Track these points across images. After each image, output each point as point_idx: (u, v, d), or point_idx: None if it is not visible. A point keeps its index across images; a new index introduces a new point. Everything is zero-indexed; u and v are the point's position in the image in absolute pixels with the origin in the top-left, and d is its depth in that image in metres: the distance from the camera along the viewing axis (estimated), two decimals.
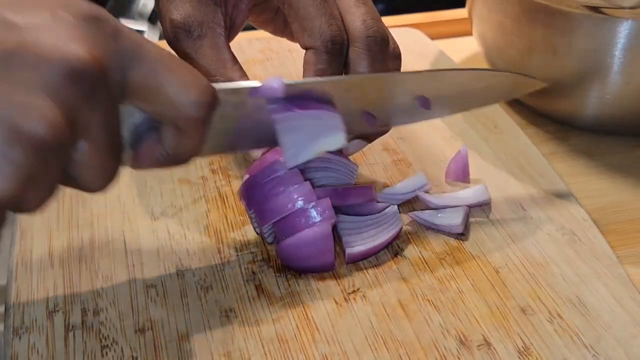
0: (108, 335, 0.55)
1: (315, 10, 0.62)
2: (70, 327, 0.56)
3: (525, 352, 0.54)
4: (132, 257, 0.62)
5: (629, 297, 0.58)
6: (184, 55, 0.65)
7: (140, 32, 1.10)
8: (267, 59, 0.95)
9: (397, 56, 0.66)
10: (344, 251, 0.62)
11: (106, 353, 0.54)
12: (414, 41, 1.01)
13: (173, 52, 0.64)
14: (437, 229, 0.65)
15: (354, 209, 0.64)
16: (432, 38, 1.04)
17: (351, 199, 0.63)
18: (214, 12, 0.65)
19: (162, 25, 0.68)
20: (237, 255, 0.63)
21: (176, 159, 0.54)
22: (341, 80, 0.62)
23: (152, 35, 1.12)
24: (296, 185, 0.59)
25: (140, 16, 1.13)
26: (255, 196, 0.60)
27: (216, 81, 0.60)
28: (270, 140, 0.60)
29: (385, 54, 0.64)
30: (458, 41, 1.08)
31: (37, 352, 0.54)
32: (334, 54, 0.63)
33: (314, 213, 0.58)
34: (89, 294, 0.59)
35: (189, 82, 0.50)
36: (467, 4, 0.91)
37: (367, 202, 0.64)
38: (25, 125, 0.42)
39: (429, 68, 0.94)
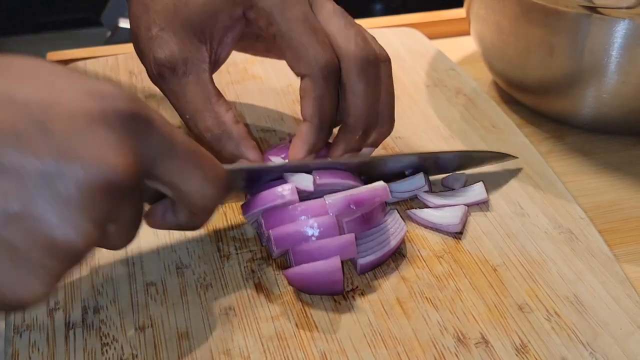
0: (108, 333, 0.55)
1: (308, 39, 0.64)
2: (71, 325, 0.56)
3: (522, 350, 0.54)
4: (132, 255, 0.62)
5: (626, 295, 0.58)
6: (168, 92, 0.66)
7: None
8: (265, 58, 0.95)
9: (386, 59, 0.68)
10: (352, 261, 0.62)
11: (106, 351, 0.54)
12: (413, 41, 1.01)
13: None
14: (435, 228, 0.65)
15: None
16: (431, 38, 1.04)
17: (367, 202, 0.61)
18: (198, 49, 0.66)
19: (143, 62, 0.68)
20: (237, 253, 0.63)
21: (186, 229, 0.57)
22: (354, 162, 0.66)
23: None
24: (321, 217, 0.59)
25: None
26: (275, 217, 0.60)
27: (204, 117, 0.65)
28: None
29: (377, 70, 0.66)
30: (456, 41, 1.08)
31: (38, 350, 0.54)
32: (330, 80, 0.64)
33: (333, 247, 0.58)
34: (89, 292, 0.59)
35: (208, 177, 0.52)
36: (465, 3, 0.91)
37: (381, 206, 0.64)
38: (60, 238, 0.42)
39: (427, 67, 0.95)
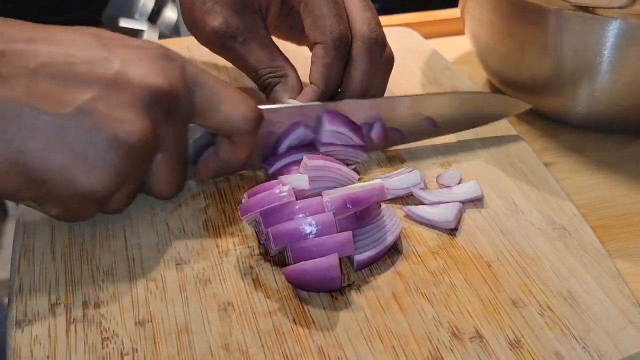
0: (109, 328, 0.56)
1: (328, 10, 0.70)
2: (72, 319, 0.56)
3: (516, 344, 0.54)
4: (132, 251, 0.63)
5: (618, 291, 0.59)
6: (233, 57, 0.75)
7: (140, 31, 1.10)
8: None
9: (391, 60, 0.76)
10: (348, 257, 0.62)
11: (107, 345, 0.54)
12: (409, 40, 1.02)
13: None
14: (430, 225, 0.66)
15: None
16: (426, 37, 1.04)
17: (364, 201, 0.62)
18: (252, 17, 0.74)
19: (196, 34, 0.77)
20: (235, 249, 0.63)
21: (229, 167, 0.68)
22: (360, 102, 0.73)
23: (151, 34, 1.13)
24: (319, 215, 0.59)
25: (140, 16, 1.13)
26: (273, 216, 0.61)
27: (269, 72, 0.74)
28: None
29: (382, 55, 0.73)
30: (451, 40, 1.09)
31: (40, 344, 0.54)
32: (340, 51, 0.71)
33: (331, 244, 0.58)
34: (90, 287, 0.59)
35: (239, 102, 0.63)
36: (460, 3, 0.91)
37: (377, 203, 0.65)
38: (122, 134, 0.56)
39: (422, 66, 0.95)
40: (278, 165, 0.71)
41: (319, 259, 0.57)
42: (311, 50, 0.74)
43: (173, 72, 0.60)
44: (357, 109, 0.73)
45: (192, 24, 0.77)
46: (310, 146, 0.73)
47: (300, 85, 0.74)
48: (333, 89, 0.73)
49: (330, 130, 0.71)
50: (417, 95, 0.75)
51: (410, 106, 0.74)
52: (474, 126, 0.78)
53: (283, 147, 0.72)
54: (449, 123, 0.77)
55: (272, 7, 0.77)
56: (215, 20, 0.73)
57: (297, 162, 0.70)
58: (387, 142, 0.76)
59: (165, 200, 0.66)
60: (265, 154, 0.72)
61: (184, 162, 0.65)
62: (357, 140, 0.73)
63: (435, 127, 0.76)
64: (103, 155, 0.55)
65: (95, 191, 0.56)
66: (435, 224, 0.66)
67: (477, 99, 0.78)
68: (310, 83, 0.73)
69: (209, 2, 0.73)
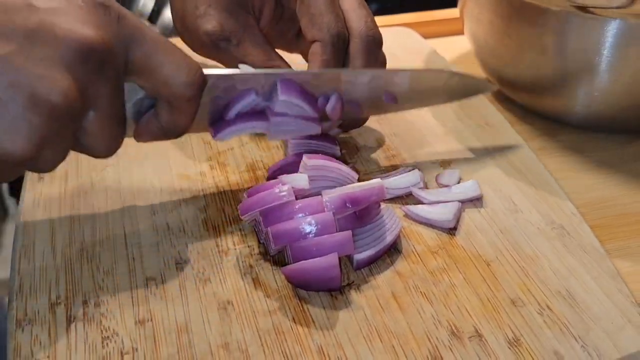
0: (109, 327, 0.56)
1: (325, 8, 0.70)
2: (72, 318, 0.56)
3: (515, 343, 0.54)
4: (132, 250, 0.63)
5: (617, 290, 0.59)
6: (228, 59, 0.73)
7: None
8: None
9: (384, 61, 0.76)
10: (348, 257, 0.62)
11: (107, 344, 0.54)
12: (408, 40, 1.02)
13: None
14: (429, 224, 0.66)
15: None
16: (425, 37, 1.04)
17: (363, 201, 0.62)
18: (246, 18, 0.73)
19: (189, 39, 0.76)
20: (235, 248, 0.63)
21: (170, 133, 0.63)
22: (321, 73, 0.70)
23: None
24: (319, 214, 0.60)
25: (140, 16, 1.13)
26: (273, 215, 0.61)
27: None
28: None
29: (378, 53, 0.73)
30: (450, 40, 1.09)
31: (40, 343, 0.54)
32: (338, 48, 0.71)
33: (331, 244, 0.58)
34: (90, 286, 0.59)
35: (181, 64, 0.58)
36: (459, 3, 0.92)
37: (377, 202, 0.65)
38: (43, 93, 0.49)
39: (422, 66, 0.95)
40: (227, 131, 0.67)
41: (318, 258, 0.57)
42: (304, 53, 0.75)
43: (106, 24, 0.54)
44: (314, 79, 0.69)
45: (185, 30, 0.76)
46: (260, 114, 0.68)
47: None
48: None
49: (283, 100, 0.67)
50: (377, 69, 0.74)
51: (370, 80, 0.72)
52: (436, 103, 0.78)
53: (232, 113, 0.67)
54: (409, 99, 0.75)
55: (266, 9, 0.76)
56: (209, 23, 0.72)
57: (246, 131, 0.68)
58: (343, 116, 0.73)
59: (101, 158, 0.59)
60: (213, 118, 0.68)
61: (121, 120, 0.58)
62: (310, 111, 0.69)
63: (395, 102, 0.74)
64: (21, 115, 0.49)
65: (14, 153, 0.49)
66: (434, 223, 0.66)
67: (439, 77, 0.76)
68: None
69: (202, 6, 0.72)
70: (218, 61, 0.75)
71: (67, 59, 0.51)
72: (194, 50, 0.77)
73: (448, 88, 0.76)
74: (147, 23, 1.13)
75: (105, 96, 0.55)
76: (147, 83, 0.58)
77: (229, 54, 0.73)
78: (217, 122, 0.67)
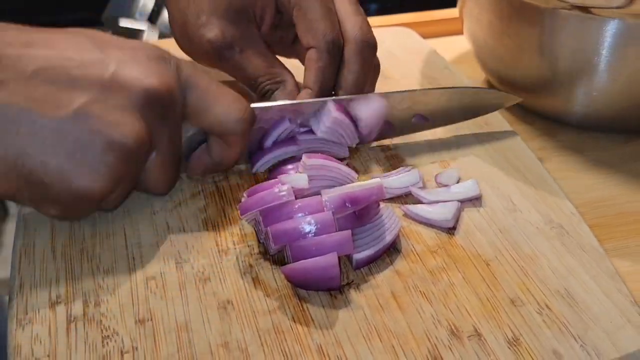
0: (109, 326, 0.56)
1: (321, 15, 0.72)
2: (72, 318, 0.56)
3: (514, 343, 0.55)
4: (132, 250, 0.63)
5: (616, 289, 0.59)
6: (231, 67, 0.75)
7: (140, 31, 1.10)
8: None
9: (378, 66, 0.78)
10: (347, 256, 0.62)
11: (107, 343, 0.54)
12: (407, 40, 1.02)
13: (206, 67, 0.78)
14: (429, 224, 0.66)
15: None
16: (425, 37, 1.04)
17: (363, 200, 0.62)
18: (247, 26, 0.75)
19: (190, 49, 0.78)
20: (235, 248, 0.63)
21: (220, 166, 0.69)
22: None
23: (151, 34, 1.12)
24: (319, 214, 0.60)
25: (140, 16, 1.13)
26: (273, 215, 0.61)
27: (267, 80, 0.74)
28: None
29: (372, 58, 0.75)
30: (450, 40, 1.09)
31: (40, 342, 0.54)
32: (333, 54, 0.73)
33: (330, 243, 0.58)
34: (91, 285, 0.59)
35: (231, 104, 0.64)
36: (459, 3, 0.92)
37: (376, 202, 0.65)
38: (119, 137, 0.56)
39: (421, 66, 0.95)
40: (264, 160, 0.73)
41: (318, 257, 0.57)
42: (302, 59, 0.76)
43: (167, 73, 0.61)
44: (355, 103, 0.74)
45: (186, 39, 0.77)
46: (292, 140, 0.74)
47: (298, 90, 0.75)
48: (327, 92, 0.74)
49: (334, 118, 0.72)
50: (407, 91, 0.75)
51: (401, 102, 0.75)
52: (464, 119, 0.79)
53: (269, 142, 0.73)
54: (438, 118, 0.78)
55: (267, 16, 0.77)
56: (212, 32, 0.73)
57: (285, 161, 0.73)
58: (377, 137, 0.78)
59: (160, 196, 0.68)
60: (251, 149, 0.73)
61: (179, 159, 0.66)
62: (352, 135, 0.74)
63: (425, 121, 0.77)
64: (100, 158, 0.56)
65: (93, 192, 0.57)
66: (433, 223, 0.66)
67: (466, 93, 0.78)
68: (304, 87, 0.74)
69: (204, 15, 0.73)
70: (220, 69, 0.76)
71: (137, 105, 0.58)
72: (195, 59, 0.78)
73: (475, 104, 0.78)
74: (147, 24, 1.13)
75: (167, 137, 0.62)
76: (202, 122, 0.65)
77: (232, 62, 0.74)
78: (255, 153, 0.73)
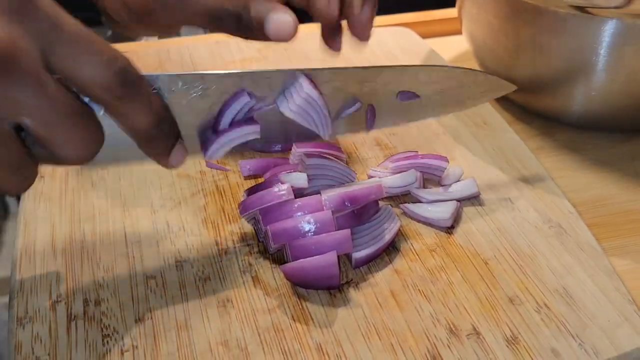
0: (109, 325, 0.56)
1: None
2: (73, 316, 0.57)
3: (513, 341, 0.55)
4: (132, 249, 0.63)
5: (614, 288, 0.59)
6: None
7: None
8: (263, 57, 0.96)
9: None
10: (347, 255, 0.63)
11: (107, 342, 0.55)
12: (406, 40, 1.02)
13: None
14: (427, 223, 0.67)
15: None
16: (424, 37, 1.05)
17: (362, 199, 0.62)
18: None
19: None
20: (234, 247, 0.64)
21: (147, 137, 0.53)
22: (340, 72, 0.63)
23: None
24: (318, 213, 0.60)
25: None
26: (272, 214, 0.61)
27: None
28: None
29: None
30: (448, 40, 1.09)
31: (41, 341, 0.55)
32: None
33: (330, 242, 0.59)
34: (91, 284, 0.60)
35: (100, 54, 0.49)
36: (457, 3, 0.92)
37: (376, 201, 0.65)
38: None
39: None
40: (215, 145, 0.59)
41: (317, 256, 0.58)
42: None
43: (14, 22, 0.46)
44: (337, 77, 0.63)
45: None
46: (252, 120, 0.60)
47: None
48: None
49: (307, 95, 0.60)
50: (385, 66, 0.66)
51: (377, 77, 0.65)
52: (458, 107, 0.70)
53: (225, 122, 0.59)
54: (427, 99, 0.68)
55: None
56: None
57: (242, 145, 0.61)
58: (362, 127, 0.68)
59: (80, 164, 0.52)
60: (203, 133, 0.60)
61: (80, 117, 0.49)
62: (326, 118, 0.63)
63: (413, 99, 0.67)
64: None
65: None
66: (432, 222, 0.66)
67: (453, 73, 0.68)
68: (316, 15, 0.66)
69: None
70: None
71: None
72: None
73: (475, 88, 0.70)
74: None
75: (32, 99, 0.47)
76: (72, 81, 0.49)
77: None
78: (207, 138, 0.60)
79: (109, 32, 1.20)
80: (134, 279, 0.60)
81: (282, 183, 0.61)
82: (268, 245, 0.61)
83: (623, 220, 0.71)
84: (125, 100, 0.50)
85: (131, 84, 0.50)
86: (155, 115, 0.52)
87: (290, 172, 0.64)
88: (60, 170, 0.71)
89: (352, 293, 0.59)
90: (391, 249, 0.64)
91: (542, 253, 0.63)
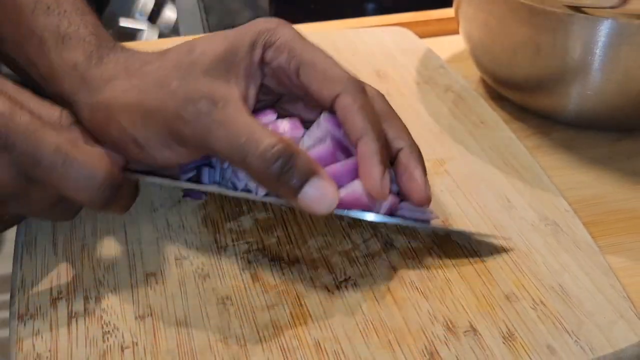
0: (109, 322, 0.56)
1: (331, 61, 0.60)
2: (73, 313, 0.57)
3: (509, 338, 0.55)
4: (132, 247, 0.63)
5: (609, 285, 0.60)
6: (213, 124, 0.57)
7: (140, 30, 1.10)
8: None
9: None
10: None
11: (107, 339, 0.55)
12: (404, 39, 1.02)
13: None
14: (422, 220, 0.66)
15: None
16: (421, 36, 1.05)
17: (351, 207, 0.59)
18: (227, 85, 0.59)
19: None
20: (233, 245, 0.64)
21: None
22: None
23: (151, 33, 1.13)
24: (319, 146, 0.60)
25: (140, 15, 1.14)
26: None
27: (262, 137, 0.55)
28: None
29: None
30: (445, 39, 1.09)
31: (41, 337, 0.55)
32: (363, 91, 0.60)
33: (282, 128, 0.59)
34: (91, 281, 0.60)
35: (81, 183, 0.55)
36: (454, 3, 0.92)
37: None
38: None
39: (417, 65, 0.96)
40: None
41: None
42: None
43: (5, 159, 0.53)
44: None
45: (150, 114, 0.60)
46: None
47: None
48: (382, 131, 0.61)
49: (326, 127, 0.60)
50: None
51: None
52: None
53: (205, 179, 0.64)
54: None
55: (250, 88, 0.62)
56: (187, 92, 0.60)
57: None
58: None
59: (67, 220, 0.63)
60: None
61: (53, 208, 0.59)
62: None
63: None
64: None
65: None
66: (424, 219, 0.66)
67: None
68: (359, 140, 0.58)
69: (174, 82, 0.59)
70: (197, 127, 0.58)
71: None
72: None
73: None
74: (147, 23, 1.12)
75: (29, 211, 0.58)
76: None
77: (212, 117, 0.56)
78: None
79: (109, 33, 1.21)
80: (134, 276, 0.60)
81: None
82: (249, 188, 0.61)
83: (619, 218, 0.71)
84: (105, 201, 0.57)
85: (109, 189, 0.56)
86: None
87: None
88: None
89: (350, 290, 0.59)
90: (389, 246, 0.64)
91: (539, 251, 0.63)
